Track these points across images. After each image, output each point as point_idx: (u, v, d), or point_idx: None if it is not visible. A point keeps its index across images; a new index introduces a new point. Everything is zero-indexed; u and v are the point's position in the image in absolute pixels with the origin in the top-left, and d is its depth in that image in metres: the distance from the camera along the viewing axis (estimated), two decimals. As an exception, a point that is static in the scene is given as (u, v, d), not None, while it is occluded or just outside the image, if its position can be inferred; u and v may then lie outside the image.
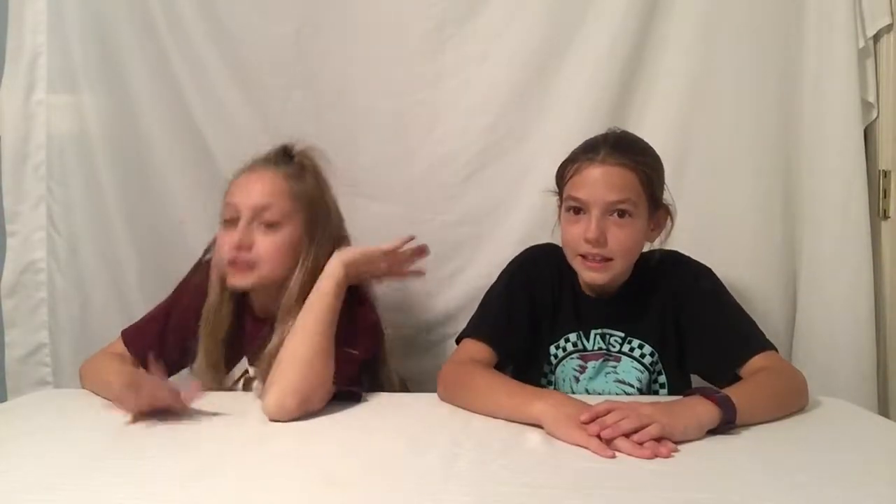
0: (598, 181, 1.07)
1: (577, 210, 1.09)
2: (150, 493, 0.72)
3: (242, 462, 0.81)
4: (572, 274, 1.18)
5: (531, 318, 1.17)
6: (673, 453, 0.80)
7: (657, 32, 1.42)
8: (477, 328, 1.16)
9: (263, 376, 1.04)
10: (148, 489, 0.73)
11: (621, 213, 1.07)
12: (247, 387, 1.15)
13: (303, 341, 1.01)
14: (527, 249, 1.24)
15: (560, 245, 1.22)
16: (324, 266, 1.09)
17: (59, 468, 0.79)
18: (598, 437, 0.82)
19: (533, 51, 1.44)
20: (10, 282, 1.57)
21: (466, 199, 1.49)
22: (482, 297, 1.23)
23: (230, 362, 1.17)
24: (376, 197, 1.50)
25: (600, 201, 1.06)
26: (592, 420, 0.84)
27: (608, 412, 0.84)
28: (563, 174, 1.13)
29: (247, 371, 1.16)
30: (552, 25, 1.44)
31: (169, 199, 1.54)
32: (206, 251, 1.21)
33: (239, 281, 1.09)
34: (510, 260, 1.24)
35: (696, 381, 1.19)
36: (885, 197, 1.39)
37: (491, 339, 1.12)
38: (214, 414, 1.02)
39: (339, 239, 1.17)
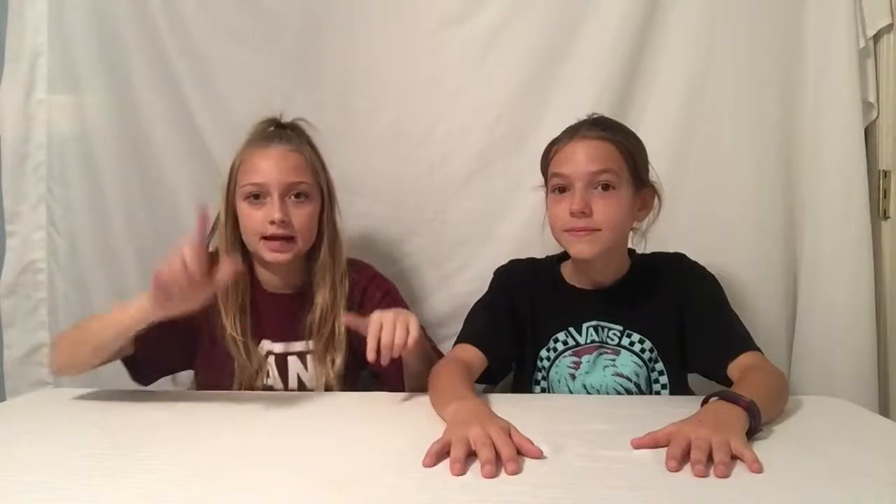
0: (579, 155, 1.09)
1: (562, 189, 1.11)
2: (151, 493, 0.72)
3: (242, 462, 0.81)
4: (553, 274, 1.21)
5: (514, 329, 1.19)
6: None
7: (657, 32, 1.42)
8: (467, 335, 1.18)
9: (319, 347, 1.16)
10: (148, 489, 0.73)
11: (605, 187, 1.08)
12: (280, 364, 1.18)
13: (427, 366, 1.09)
14: (503, 265, 1.26)
15: (537, 257, 1.26)
16: (338, 230, 1.21)
17: (59, 468, 0.78)
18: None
19: (533, 51, 1.45)
20: (9, 282, 1.57)
21: (466, 199, 1.49)
22: (471, 307, 1.24)
23: (252, 337, 1.18)
24: (376, 197, 1.51)
25: (582, 173, 1.08)
26: (653, 445, 0.81)
27: (667, 443, 0.80)
28: (546, 157, 1.16)
29: (268, 353, 1.19)
30: (552, 25, 1.44)
31: (169, 199, 1.55)
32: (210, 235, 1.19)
33: (278, 257, 1.14)
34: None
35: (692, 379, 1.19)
36: (885, 197, 1.39)
37: (481, 345, 1.14)
38: (214, 414, 1.02)
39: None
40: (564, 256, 1.21)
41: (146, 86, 1.52)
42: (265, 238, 1.14)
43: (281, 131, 1.22)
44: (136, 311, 0.98)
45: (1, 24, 1.53)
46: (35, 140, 1.55)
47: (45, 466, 0.79)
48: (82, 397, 1.14)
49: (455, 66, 1.47)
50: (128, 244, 1.55)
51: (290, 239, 1.14)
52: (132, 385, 1.54)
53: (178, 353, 1.19)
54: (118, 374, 1.56)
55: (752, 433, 0.84)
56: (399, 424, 0.95)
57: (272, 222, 1.12)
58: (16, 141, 1.54)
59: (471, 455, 0.78)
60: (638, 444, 0.82)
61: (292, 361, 1.19)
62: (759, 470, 0.74)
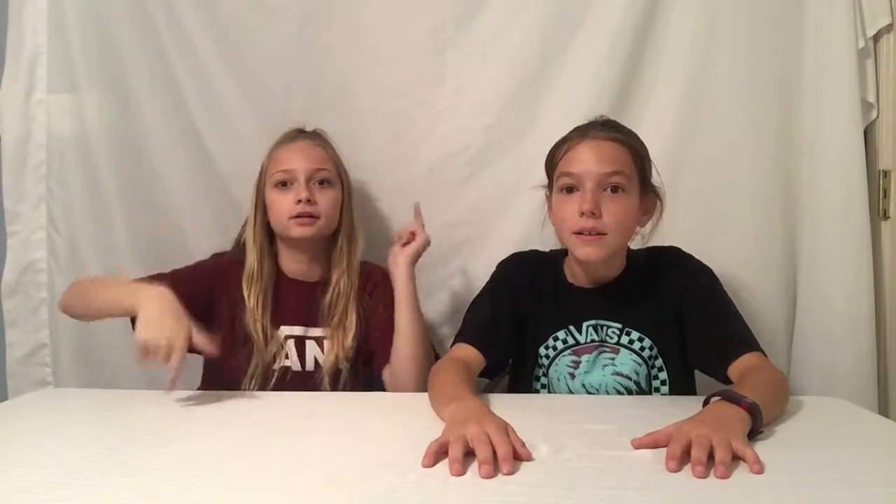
0: (590, 155, 1.09)
1: (570, 189, 1.10)
2: (150, 494, 0.72)
3: (242, 462, 0.81)
4: (555, 271, 1.20)
5: (514, 323, 1.18)
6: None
7: (657, 32, 1.42)
8: (464, 334, 1.18)
9: (332, 328, 1.27)
10: (148, 489, 0.73)
11: (614, 189, 1.08)
12: (299, 346, 1.28)
13: (419, 331, 1.23)
14: (506, 258, 1.25)
15: (541, 250, 1.23)
16: (355, 221, 1.35)
17: (59, 468, 0.79)
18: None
19: (533, 51, 1.45)
20: (10, 282, 1.57)
21: (466, 199, 1.50)
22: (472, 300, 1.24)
23: (272, 322, 1.29)
24: (377, 197, 1.51)
25: (594, 174, 1.08)
26: (653, 445, 0.81)
27: (668, 443, 0.79)
28: (554, 157, 1.15)
29: (287, 336, 1.29)
30: (552, 25, 1.44)
31: (168, 198, 1.55)
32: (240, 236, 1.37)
33: (304, 232, 1.26)
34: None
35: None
36: (885, 197, 1.39)
37: (478, 344, 1.14)
38: (214, 414, 1.02)
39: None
40: (567, 251, 1.21)
41: (145, 85, 1.52)
42: (293, 217, 1.25)
43: (305, 133, 1.36)
44: (131, 308, 1.08)
45: (1, 24, 1.53)
46: (35, 140, 1.55)
47: (46, 466, 0.79)
48: (82, 397, 1.14)
49: (455, 66, 1.47)
50: (128, 244, 1.55)
51: (315, 217, 1.26)
52: (132, 385, 1.54)
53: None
54: (119, 375, 1.57)
55: (753, 434, 0.84)
56: (399, 424, 0.95)
57: (299, 201, 1.25)
58: (16, 141, 1.54)
59: (470, 454, 0.78)
60: (638, 445, 0.82)
61: (310, 345, 1.28)
62: (761, 470, 0.74)
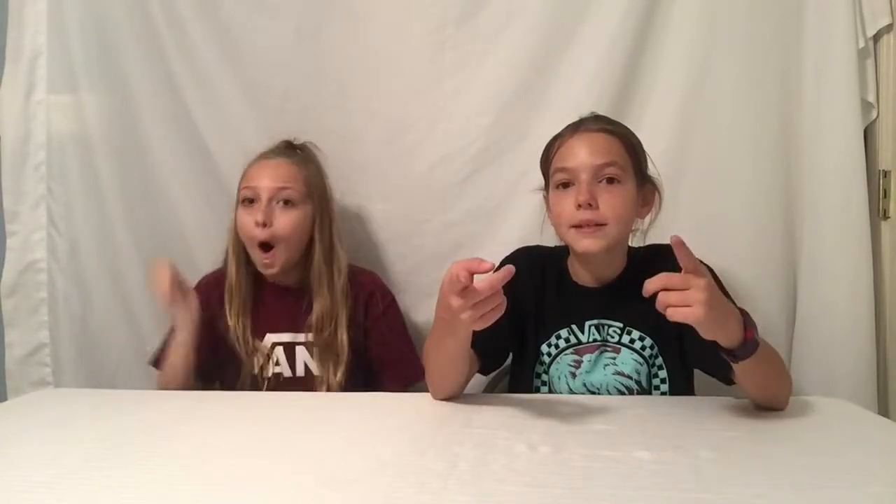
0: (583, 148, 1.10)
1: (566, 184, 1.11)
2: (150, 494, 0.72)
3: (242, 462, 0.81)
4: (560, 269, 1.20)
5: (514, 320, 1.17)
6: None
7: (657, 32, 1.42)
8: None
9: (320, 348, 1.24)
10: (148, 489, 0.73)
11: (610, 180, 1.09)
12: (288, 352, 1.26)
13: None
14: (512, 253, 1.24)
15: (545, 245, 1.23)
16: (335, 243, 1.29)
17: (59, 468, 0.79)
18: None
19: (533, 50, 1.45)
20: (10, 282, 1.57)
21: (466, 199, 1.50)
22: None
23: (255, 333, 1.28)
24: (376, 197, 1.51)
25: (588, 166, 1.08)
26: (663, 286, 0.87)
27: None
28: (548, 154, 1.16)
29: (275, 344, 1.28)
30: (552, 25, 1.44)
31: (168, 198, 1.55)
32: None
33: (268, 271, 1.24)
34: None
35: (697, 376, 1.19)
36: (885, 197, 1.39)
37: (474, 344, 1.12)
38: (214, 414, 1.02)
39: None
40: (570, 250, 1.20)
41: (146, 86, 1.52)
42: (253, 247, 1.23)
43: (286, 149, 1.33)
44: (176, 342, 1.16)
45: (1, 24, 1.53)
46: (35, 140, 1.55)
47: (46, 466, 0.79)
48: (82, 397, 1.14)
49: (455, 66, 1.47)
50: (128, 243, 1.55)
51: (273, 245, 1.23)
52: (132, 385, 1.54)
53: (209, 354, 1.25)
54: (119, 375, 1.57)
55: (737, 350, 0.89)
56: (399, 424, 0.95)
57: (256, 223, 1.21)
58: (16, 141, 1.55)
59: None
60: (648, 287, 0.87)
61: (300, 351, 1.26)
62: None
